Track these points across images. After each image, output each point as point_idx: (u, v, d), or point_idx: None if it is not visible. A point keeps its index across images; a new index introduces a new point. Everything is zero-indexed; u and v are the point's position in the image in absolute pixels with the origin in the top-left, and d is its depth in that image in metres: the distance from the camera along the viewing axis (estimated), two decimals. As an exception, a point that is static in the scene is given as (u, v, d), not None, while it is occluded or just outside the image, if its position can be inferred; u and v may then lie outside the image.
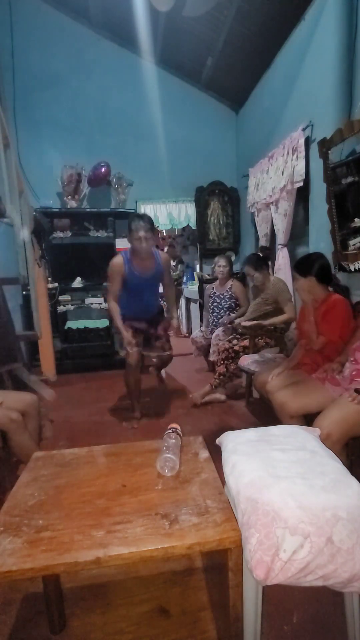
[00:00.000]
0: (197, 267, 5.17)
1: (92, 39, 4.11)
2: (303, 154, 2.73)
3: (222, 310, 3.55)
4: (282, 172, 3.02)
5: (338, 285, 2.14)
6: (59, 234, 4.05)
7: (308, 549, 0.79)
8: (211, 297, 3.66)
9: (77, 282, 4.10)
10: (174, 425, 1.24)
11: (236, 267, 4.42)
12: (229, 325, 3.40)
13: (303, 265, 1.96)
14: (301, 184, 2.79)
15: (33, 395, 1.95)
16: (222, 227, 4.63)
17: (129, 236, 2.40)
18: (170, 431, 1.19)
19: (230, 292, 3.54)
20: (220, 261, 3.54)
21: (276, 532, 0.81)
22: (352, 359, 1.79)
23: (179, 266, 6.26)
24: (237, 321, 3.18)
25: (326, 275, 1.98)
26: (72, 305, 4.07)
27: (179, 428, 1.22)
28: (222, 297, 3.58)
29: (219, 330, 3.46)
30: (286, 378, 2.00)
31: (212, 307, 3.64)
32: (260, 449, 1.08)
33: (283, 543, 0.80)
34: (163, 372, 3.57)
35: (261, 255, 3.07)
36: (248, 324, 2.88)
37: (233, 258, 4.31)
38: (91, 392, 3.42)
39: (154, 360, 3.06)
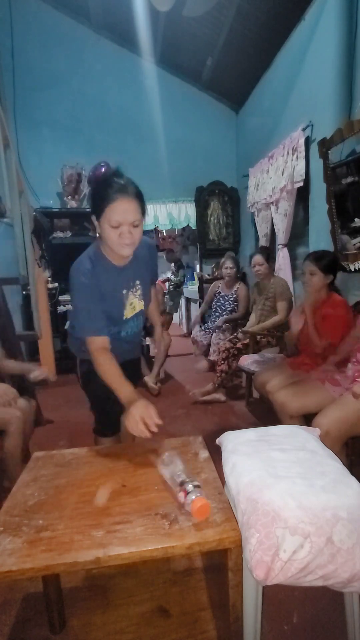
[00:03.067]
0: (197, 267, 5.17)
1: (92, 39, 4.11)
2: (303, 154, 2.73)
3: (224, 312, 3.55)
4: (282, 172, 3.01)
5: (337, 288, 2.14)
6: (59, 234, 4.05)
7: (308, 549, 0.79)
8: (216, 295, 3.66)
9: (77, 282, 4.10)
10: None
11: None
12: (222, 327, 3.41)
13: (327, 262, 1.94)
14: (301, 184, 2.79)
15: (27, 401, 1.92)
16: (222, 227, 4.63)
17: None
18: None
19: (235, 295, 3.54)
20: (227, 262, 3.52)
21: (276, 532, 0.80)
22: (354, 359, 1.79)
23: (180, 271, 6.00)
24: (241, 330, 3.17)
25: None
26: (72, 305, 4.06)
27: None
28: (226, 298, 3.58)
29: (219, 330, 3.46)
30: (286, 378, 2.00)
31: (215, 306, 3.64)
32: (260, 449, 1.08)
33: (283, 543, 0.80)
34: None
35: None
36: (248, 331, 2.91)
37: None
38: (91, 392, 3.42)
39: None
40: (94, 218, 1.20)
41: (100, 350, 1.23)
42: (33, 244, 3.66)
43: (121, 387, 1.17)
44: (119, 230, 1.16)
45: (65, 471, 1.07)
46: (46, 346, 3.75)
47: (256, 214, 3.82)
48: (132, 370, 1.57)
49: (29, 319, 3.62)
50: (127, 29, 3.77)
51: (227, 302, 3.57)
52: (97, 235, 1.23)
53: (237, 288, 3.55)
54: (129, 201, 1.15)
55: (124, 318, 1.39)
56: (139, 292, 1.40)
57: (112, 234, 1.17)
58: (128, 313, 1.39)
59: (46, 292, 3.83)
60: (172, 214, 4.51)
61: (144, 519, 0.85)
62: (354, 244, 2.26)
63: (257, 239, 4.07)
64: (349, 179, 2.27)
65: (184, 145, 4.43)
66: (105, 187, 1.14)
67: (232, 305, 3.54)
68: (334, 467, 1.00)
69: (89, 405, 1.60)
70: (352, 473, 0.99)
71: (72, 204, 4.08)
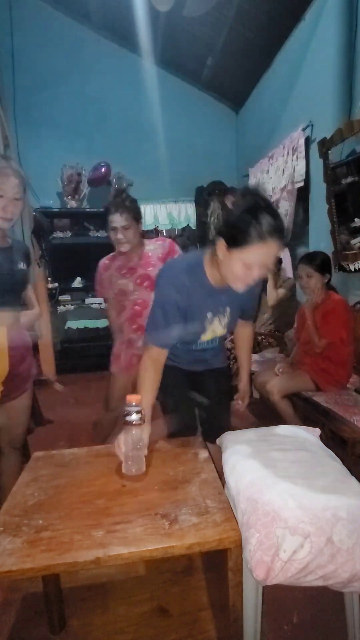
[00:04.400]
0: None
1: (92, 39, 4.11)
2: (303, 154, 2.73)
3: None
4: (283, 172, 3.02)
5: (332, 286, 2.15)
6: (59, 234, 4.05)
7: (308, 549, 0.79)
8: None
9: (77, 282, 4.10)
10: (128, 407, 0.99)
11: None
12: None
13: (321, 262, 1.96)
14: (301, 184, 2.79)
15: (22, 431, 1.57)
16: (222, 227, 4.63)
17: None
18: (127, 420, 0.99)
19: None
20: None
21: (276, 532, 0.80)
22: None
23: None
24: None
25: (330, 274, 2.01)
26: (72, 305, 4.07)
27: (134, 410, 0.99)
28: None
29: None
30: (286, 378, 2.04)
31: None
32: (260, 449, 1.08)
33: (283, 543, 0.80)
34: None
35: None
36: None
37: None
38: (91, 392, 3.42)
39: None
40: (223, 242, 1.05)
41: (154, 361, 1.17)
42: (33, 244, 3.67)
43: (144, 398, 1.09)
44: (251, 271, 1.02)
45: (65, 471, 1.07)
46: (46, 346, 3.75)
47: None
48: (221, 380, 1.47)
49: (29, 319, 3.62)
50: (127, 29, 3.76)
51: None
52: (220, 257, 1.08)
53: None
54: (276, 245, 0.99)
55: (200, 340, 1.28)
56: (225, 320, 1.27)
57: (241, 271, 1.03)
58: (206, 336, 1.28)
59: (46, 292, 3.83)
60: (172, 214, 4.51)
61: (144, 519, 0.85)
62: (354, 244, 2.26)
63: (257, 239, 4.07)
64: (349, 179, 2.27)
65: (184, 145, 4.42)
66: (259, 221, 0.96)
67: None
68: (334, 467, 1.00)
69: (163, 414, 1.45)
70: (352, 473, 0.99)
71: (72, 204, 4.07)
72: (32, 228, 3.69)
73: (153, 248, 1.83)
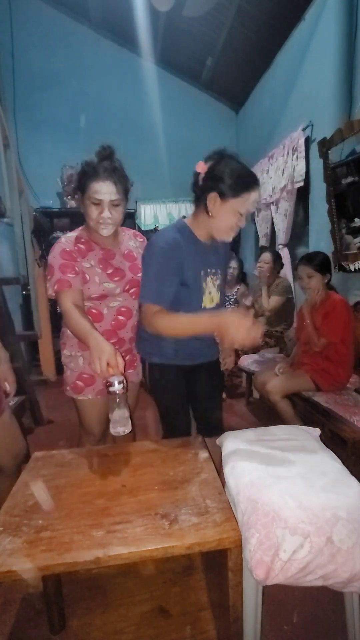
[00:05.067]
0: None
1: (92, 39, 4.11)
2: (303, 154, 2.73)
3: None
4: (282, 172, 3.01)
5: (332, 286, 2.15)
6: (59, 234, 4.04)
7: (308, 548, 0.79)
8: None
9: (77, 282, 4.10)
10: (110, 379, 1.07)
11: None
12: None
13: (321, 262, 1.96)
14: (301, 184, 2.78)
15: (23, 444, 1.46)
16: (222, 227, 4.63)
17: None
18: (111, 391, 1.07)
19: (235, 296, 3.54)
20: (231, 262, 3.52)
21: (276, 532, 0.80)
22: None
23: None
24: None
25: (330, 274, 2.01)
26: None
27: (117, 381, 1.07)
28: (227, 298, 3.57)
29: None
30: (286, 378, 2.03)
31: None
32: (260, 449, 1.08)
33: (283, 543, 0.80)
34: None
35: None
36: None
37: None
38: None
39: None
40: (216, 196, 1.16)
41: (161, 313, 1.17)
42: (33, 244, 3.67)
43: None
44: (241, 218, 1.21)
45: (65, 471, 1.07)
46: (46, 346, 3.75)
47: (256, 214, 3.82)
48: (214, 374, 1.47)
49: (29, 319, 3.62)
50: (127, 29, 3.76)
51: (227, 303, 3.56)
52: (212, 211, 1.19)
53: (238, 289, 3.55)
54: (258, 193, 1.22)
55: (203, 306, 1.29)
56: (217, 281, 1.33)
57: (234, 219, 1.20)
58: (207, 302, 1.30)
59: (46, 292, 3.83)
60: (172, 214, 4.51)
61: (143, 519, 0.85)
62: (354, 244, 2.26)
63: (257, 239, 4.07)
64: (349, 179, 2.27)
65: (184, 145, 4.41)
66: (247, 175, 1.19)
67: (232, 306, 3.53)
68: (334, 467, 1.00)
69: (158, 417, 1.44)
70: (352, 473, 0.99)
71: (72, 204, 4.06)
72: (32, 228, 3.69)
73: (135, 245, 1.47)
